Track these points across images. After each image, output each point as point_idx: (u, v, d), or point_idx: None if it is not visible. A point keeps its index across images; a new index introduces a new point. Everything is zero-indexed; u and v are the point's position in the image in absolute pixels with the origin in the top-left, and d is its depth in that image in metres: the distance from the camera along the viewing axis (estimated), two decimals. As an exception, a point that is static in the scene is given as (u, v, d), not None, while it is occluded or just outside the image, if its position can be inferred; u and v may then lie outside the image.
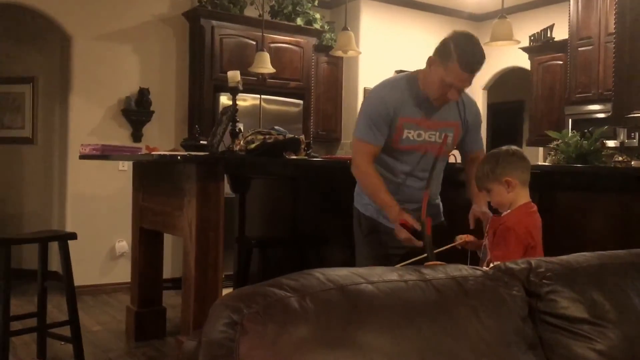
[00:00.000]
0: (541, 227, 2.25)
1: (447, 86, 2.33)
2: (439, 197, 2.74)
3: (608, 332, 1.42)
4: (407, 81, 2.50)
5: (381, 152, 2.50)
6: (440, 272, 1.36)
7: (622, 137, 5.57)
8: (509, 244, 2.14)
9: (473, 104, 2.66)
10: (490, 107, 8.04)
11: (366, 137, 2.47)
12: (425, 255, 2.20)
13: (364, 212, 2.62)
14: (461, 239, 2.35)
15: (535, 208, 2.25)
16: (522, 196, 2.22)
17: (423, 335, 1.18)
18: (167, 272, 4.99)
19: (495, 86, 7.87)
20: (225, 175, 3.32)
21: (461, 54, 2.27)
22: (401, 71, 2.62)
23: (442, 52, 2.33)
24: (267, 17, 6.00)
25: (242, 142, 3.48)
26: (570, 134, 3.66)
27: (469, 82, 2.37)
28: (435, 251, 2.27)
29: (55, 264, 4.90)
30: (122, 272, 5.28)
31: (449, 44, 2.31)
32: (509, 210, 2.23)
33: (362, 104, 2.58)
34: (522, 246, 2.13)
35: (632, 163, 3.68)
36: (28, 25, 5.85)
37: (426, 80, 2.43)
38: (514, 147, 2.28)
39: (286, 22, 6.20)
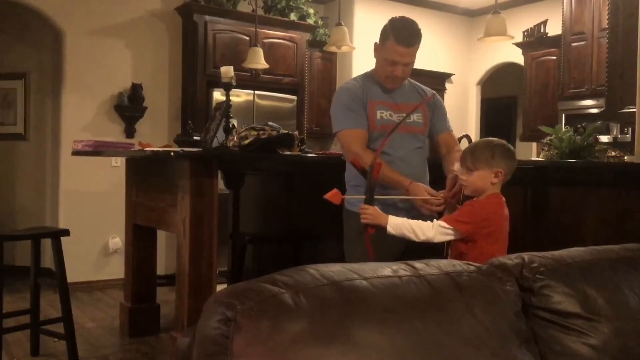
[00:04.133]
0: (508, 219, 2.29)
1: (391, 63, 2.56)
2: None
3: (601, 327, 1.43)
4: (364, 77, 2.74)
5: None
6: (434, 267, 1.36)
7: (615, 132, 5.58)
8: (462, 213, 2.23)
9: (431, 90, 2.85)
10: (484, 102, 8.05)
11: (350, 124, 2.60)
12: (365, 196, 2.28)
13: (356, 210, 2.61)
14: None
15: (504, 199, 2.28)
16: (496, 190, 2.27)
17: (417, 331, 1.18)
18: (161, 269, 4.99)
19: (489, 82, 7.88)
20: (218, 172, 3.31)
21: (395, 31, 2.54)
22: (361, 74, 2.82)
23: (382, 35, 2.61)
24: (260, 12, 5.98)
25: (235, 138, 3.46)
26: (563, 129, 3.67)
27: (409, 57, 2.58)
28: (402, 198, 2.44)
29: (48, 261, 4.88)
30: (116, 269, 5.27)
31: (386, 27, 2.59)
32: (478, 197, 2.27)
33: (332, 104, 2.73)
34: (473, 222, 2.18)
35: (625, 158, 3.69)
36: (20, 21, 5.81)
37: (376, 69, 2.69)
38: (510, 146, 2.32)
39: (279, 18, 6.18)
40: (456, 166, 2.58)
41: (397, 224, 2.23)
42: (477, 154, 2.26)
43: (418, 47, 2.59)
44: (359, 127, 2.59)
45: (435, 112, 2.78)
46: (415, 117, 2.68)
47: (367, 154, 2.53)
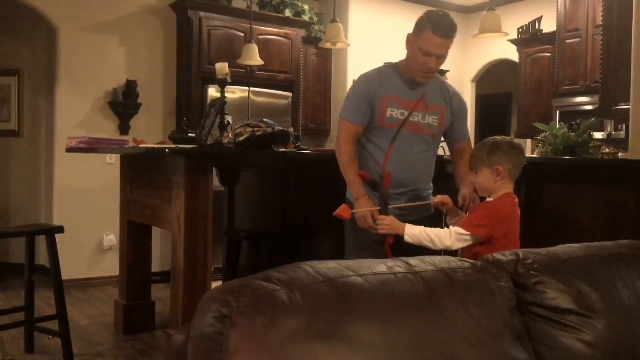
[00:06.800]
0: (519, 220, 2.30)
1: (426, 54, 2.53)
2: (431, 186, 2.75)
3: (595, 323, 1.44)
4: (391, 68, 2.72)
5: (370, 132, 2.65)
6: (429, 264, 1.36)
7: (609, 129, 5.61)
8: (477, 217, 2.24)
9: (459, 95, 2.82)
10: (478, 99, 8.07)
11: (348, 116, 2.66)
12: (379, 208, 2.31)
13: (352, 200, 2.64)
14: (438, 198, 2.46)
15: (517, 200, 2.28)
16: (507, 187, 2.28)
17: (412, 327, 1.18)
18: (156, 265, 4.98)
19: (483, 78, 7.89)
20: (213, 168, 3.30)
21: (433, 21, 2.52)
22: (389, 63, 2.80)
23: (417, 25, 2.58)
24: (255, 8, 5.96)
25: (230, 135, 3.46)
26: (557, 126, 3.68)
27: (445, 49, 2.56)
28: (412, 205, 2.47)
29: (42, 258, 4.87)
30: (111, 266, 5.24)
31: (423, 18, 2.58)
32: (491, 198, 2.28)
33: (350, 88, 2.78)
34: (490, 224, 2.19)
35: (619, 155, 3.70)
36: (13, 17, 5.78)
37: (407, 61, 2.64)
38: (515, 141, 2.34)
39: (274, 14, 6.17)
40: (465, 191, 2.57)
41: (414, 233, 2.24)
42: (475, 156, 2.29)
43: (452, 41, 2.57)
44: (356, 122, 2.64)
45: (457, 120, 2.77)
46: (430, 119, 2.65)
47: (347, 150, 2.62)
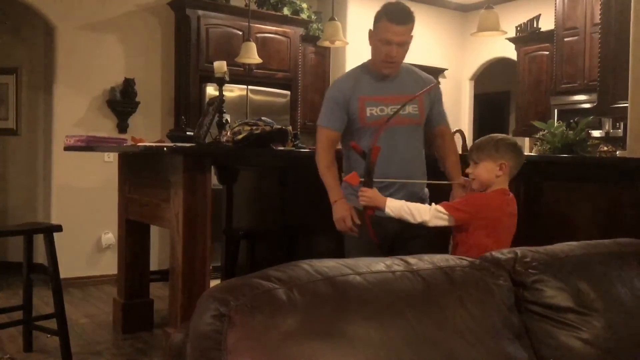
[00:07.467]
0: (515, 215, 2.32)
1: (386, 44, 2.56)
2: (426, 185, 2.75)
3: (593, 321, 1.44)
4: (360, 68, 2.75)
5: (354, 134, 2.66)
6: (427, 262, 1.36)
7: (607, 127, 5.61)
8: (461, 202, 2.31)
9: (432, 79, 2.82)
10: (477, 97, 8.06)
11: (325, 123, 2.69)
12: (364, 180, 2.33)
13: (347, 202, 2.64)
14: (459, 180, 2.56)
15: (512, 195, 2.31)
16: (502, 184, 2.31)
17: (411, 326, 1.19)
18: (154, 264, 4.97)
19: (482, 77, 7.89)
20: (212, 167, 3.30)
21: (387, 11, 2.57)
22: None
23: (375, 19, 2.62)
24: (253, 6, 5.96)
25: (229, 133, 3.46)
26: (556, 124, 3.68)
27: (404, 36, 2.57)
28: (400, 181, 2.51)
29: (41, 257, 4.86)
30: (109, 264, 5.25)
31: (379, 10, 2.61)
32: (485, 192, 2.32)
33: (325, 95, 2.79)
34: (469, 211, 2.24)
35: (617, 153, 3.71)
36: (11, 15, 5.76)
37: (372, 56, 2.68)
38: (516, 140, 2.39)
39: (273, 12, 6.16)
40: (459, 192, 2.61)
41: (395, 206, 2.29)
42: (481, 147, 2.32)
43: (411, 27, 2.58)
44: (333, 127, 2.67)
45: (434, 105, 2.78)
46: (410, 108, 2.65)
47: (325, 156, 2.65)
